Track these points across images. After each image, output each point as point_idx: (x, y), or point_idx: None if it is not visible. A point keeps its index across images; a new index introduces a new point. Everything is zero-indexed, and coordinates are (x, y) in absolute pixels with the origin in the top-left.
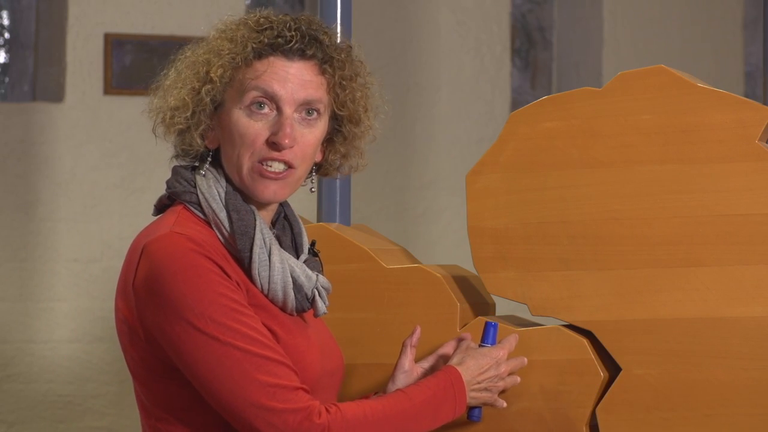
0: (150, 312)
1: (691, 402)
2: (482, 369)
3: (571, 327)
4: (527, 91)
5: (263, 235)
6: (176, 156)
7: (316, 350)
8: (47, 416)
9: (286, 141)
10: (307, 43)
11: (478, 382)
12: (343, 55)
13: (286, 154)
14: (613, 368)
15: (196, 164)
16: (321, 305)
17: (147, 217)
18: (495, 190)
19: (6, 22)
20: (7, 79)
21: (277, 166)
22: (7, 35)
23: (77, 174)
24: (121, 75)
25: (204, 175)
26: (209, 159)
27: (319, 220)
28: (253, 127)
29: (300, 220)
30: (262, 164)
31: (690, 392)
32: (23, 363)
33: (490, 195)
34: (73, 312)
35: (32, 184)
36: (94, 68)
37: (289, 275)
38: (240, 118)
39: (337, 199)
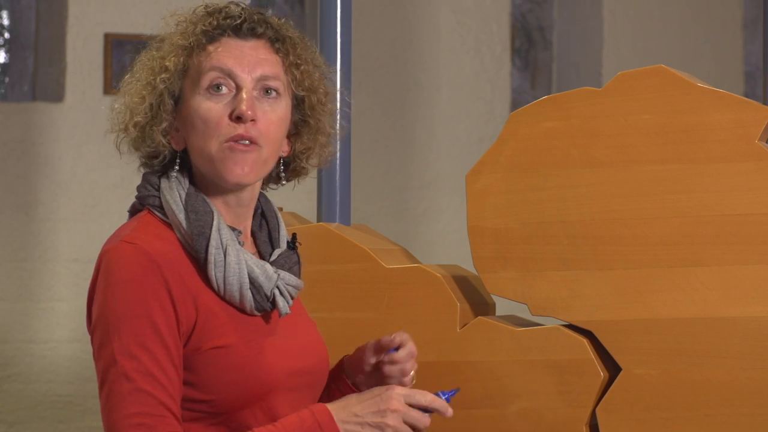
0: (94, 317)
1: (691, 402)
2: (362, 401)
3: (571, 327)
4: (527, 91)
5: (220, 235)
6: (143, 164)
7: (276, 351)
8: (47, 416)
9: (249, 112)
10: (257, 21)
11: (356, 415)
12: (296, 38)
13: (250, 129)
14: (613, 368)
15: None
16: (283, 305)
17: None
18: (495, 190)
19: (6, 22)
20: (7, 79)
21: (244, 142)
22: (7, 35)
23: (77, 174)
24: (121, 75)
25: (169, 179)
26: (178, 160)
27: (319, 220)
28: (215, 108)
29: (278, 215)
30: (235, 141)
31: (690, 392)
32: (23, 363)
33: (490, 195)
34: (73, 312)
35: (32, 184)
36: (94, 68)
37: (246, 275)
38: (201, 103)
39: (337, 199)
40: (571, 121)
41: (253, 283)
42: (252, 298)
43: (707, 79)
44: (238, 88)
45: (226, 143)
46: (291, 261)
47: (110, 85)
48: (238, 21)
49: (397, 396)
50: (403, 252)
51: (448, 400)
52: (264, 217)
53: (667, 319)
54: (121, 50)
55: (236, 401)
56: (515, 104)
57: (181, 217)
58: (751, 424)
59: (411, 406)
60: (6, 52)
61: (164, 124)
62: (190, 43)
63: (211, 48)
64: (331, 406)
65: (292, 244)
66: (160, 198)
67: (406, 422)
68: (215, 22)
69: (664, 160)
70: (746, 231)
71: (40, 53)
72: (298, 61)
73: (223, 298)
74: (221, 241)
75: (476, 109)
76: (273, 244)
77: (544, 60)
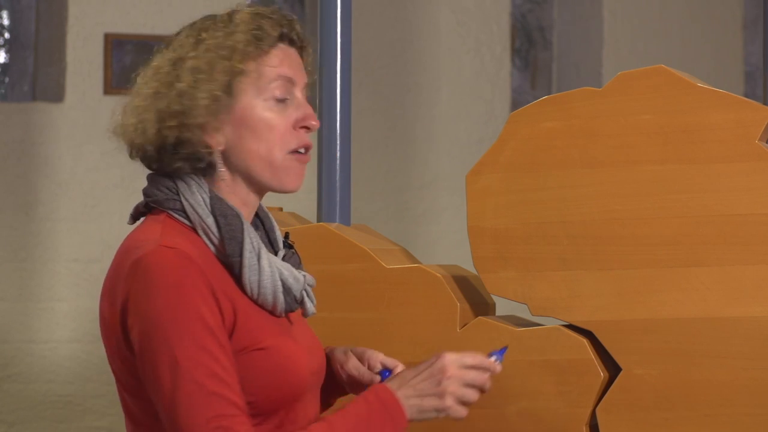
0: (135, 325)
1: (691, 402)
2: (418, 373)
3: (571, 327)
4: (527, 91)
5: (251, 239)
6: (178, 168)
7: (304, 352)
8: (47, 416)
9: (316, 123)
10: (299, 30)
11: (415, 388)
12: (309, 45)
13: (309, 138)
14: (613, 368)
15: (195, 173)
16: (310, 305)
17: None
18: (495, 190)
19: (6, 22)
20: (7, 79)
21: (302, 151)
22: (7, 35)
23: (77, 174)
24: (121, 75)
25: (185, 181)
26: (218, 162)
27: (319, 220)
28: (279, 116)
29: (271, 215)
30: (298, 151)
31: (690, 392)
32: (23, 363)
33: (490, 195)
34: (73, 312)
35: (32, 184)
36: (94, 68)
37: (278, 279)
38: (265, 110)
39: (337, 199)
40: (571, 121)
41: (284, 286)
42: (284, 301)
43: (707, 79)
44: (297, 97)
45: (293, 153)
46: (296, 261)
47: (110, 85)
48: (293, 31)
49: (450, 362)
50: (403, 252)
51: (500, 359)
52: (259, 218)
53: (667, 319)
54: (121, 50)
55: (275, 402)
56: (515, 104)
57: (210, 221)
58: (751, 424)
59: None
60: (6, 52)
61: (213, 125)
62: (260, 48)
63: (275, 54)
64: (390, 385)
65: (287, 243)
66: (180, 201)
67: (465, 384)
68: (280, 29)
69: (664, 160)
70: (746, 231)
71: (40, 53)
72: (311, 69)
73: (255, 302)
74: (253, 244)
75: (476, 109)
76: (273, 244)
77: (544, 60)
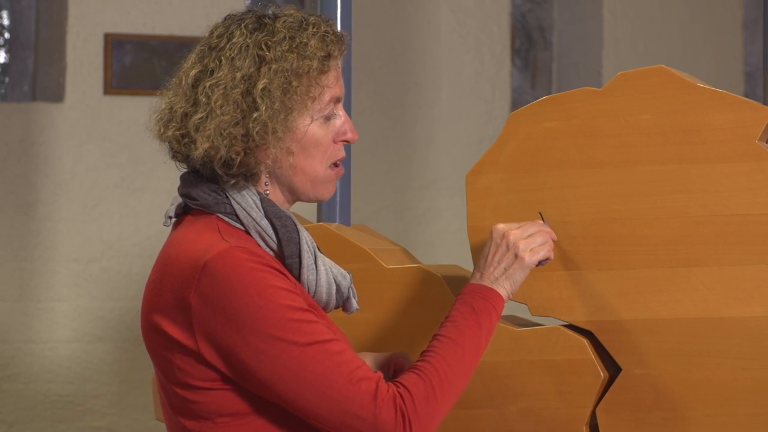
0: (218, 327)
1: (691, 402)
2: (486, 256)
3: (571, 327)
4: (527, 91)
5: (306, 240)
6: (232, 175)
7: (349, 343)
8: (47, 416)
9: (355, 136)
10: None
11: (495, 268)
12: None
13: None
14: (613, 368)
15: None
16: (354, 303)
17: (147, 217)
18: (495, 190)
19: (6, 22)
20: (7, 79)
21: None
22: (7, 35)
23: (77, 174)
24: (121, 75)
25: (234, 185)
26: (264, 172)
27: (319, 220)
28: (325, 132)
29: None
30: (336, 165)
31: (690, 392)
32: (23, 363)
33: (490, 195)
34: (73, 312)
35: (32, 184)
36: (94, 68)
37: (331, 277)
38: (315, 128)
39: (337, 199)
40: (571, 121)
41: (335, 283)
42: (335, 298)
43: (707, 79)
44: (340, 111)
45: (333, 168)
46: None
47: (110, 85)
48: (345, 46)
49: (503, 228)
50: (403, 252)
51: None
52: None
53: (667, 319)
54: (121, 50)
55: None
56: (515, 104)
57: (264, 224)
58: (751, 424)
59: None
60: (6, 52)
61: (273, 144)
62: (323, 71)
63: (331, 74)
64: (473, 279)
65: None
66: (230, 205)
67: (528, 236)
68: (339, 46)
69: (664, 160)
70: (746, 231)
71: (40, 53)
72: None
73: (311, 298)
74: (308, 245)
75: (476, 109)
76: None
77: (544, 60)
